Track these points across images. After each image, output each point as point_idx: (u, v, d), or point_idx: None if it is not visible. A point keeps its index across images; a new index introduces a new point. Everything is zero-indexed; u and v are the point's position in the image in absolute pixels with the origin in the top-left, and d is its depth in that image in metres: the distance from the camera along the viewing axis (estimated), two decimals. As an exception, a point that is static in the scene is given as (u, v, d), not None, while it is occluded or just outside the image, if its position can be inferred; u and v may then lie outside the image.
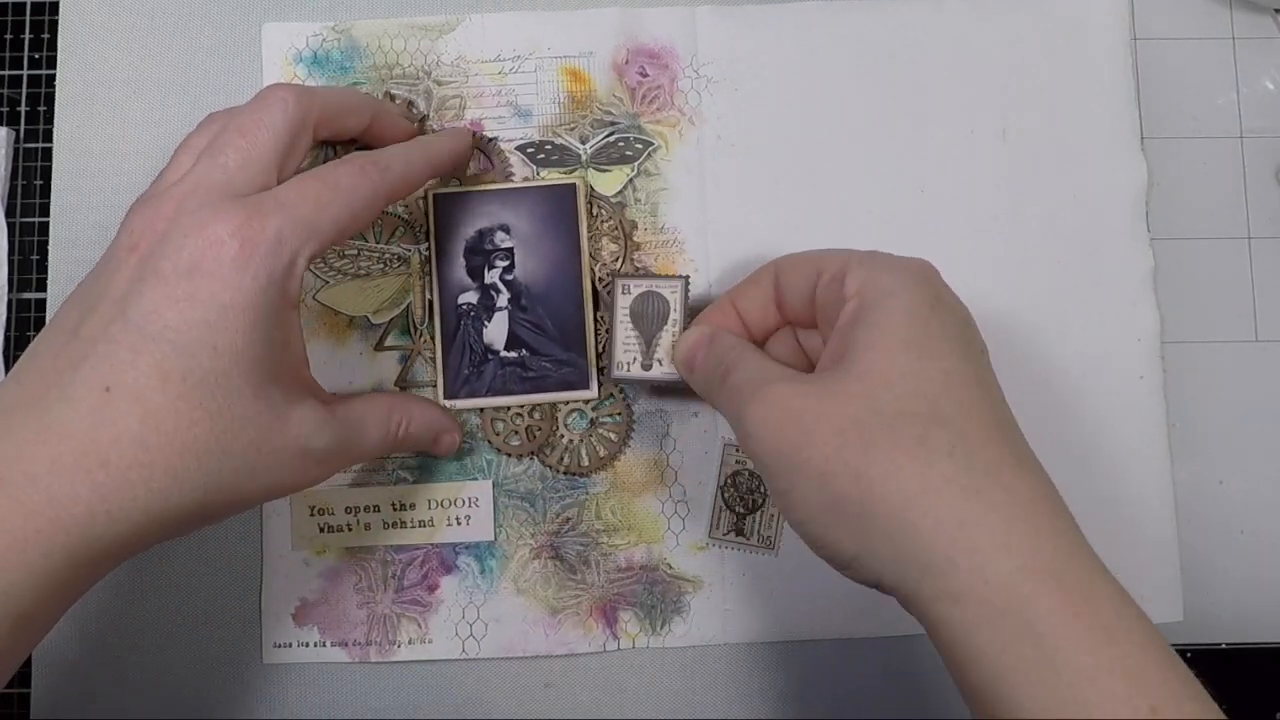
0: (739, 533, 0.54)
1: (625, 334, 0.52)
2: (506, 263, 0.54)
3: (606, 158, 0.56)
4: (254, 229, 0.41)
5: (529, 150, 0.56)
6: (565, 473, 0.55)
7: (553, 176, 0.55)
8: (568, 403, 0.55)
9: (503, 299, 0.54)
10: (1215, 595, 0.55)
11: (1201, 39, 0.58)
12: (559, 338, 0.54)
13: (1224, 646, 0.55)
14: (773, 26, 0.57)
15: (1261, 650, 0.55)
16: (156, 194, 0.43)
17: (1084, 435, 0.55)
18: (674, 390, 0.54)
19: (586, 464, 0.55)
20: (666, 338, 0.51)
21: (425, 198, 0.54)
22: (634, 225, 0.55)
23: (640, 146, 0.56)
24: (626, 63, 0.56)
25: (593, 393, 0.54)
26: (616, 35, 0.56)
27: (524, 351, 0.54)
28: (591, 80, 0.56)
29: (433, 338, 0.54)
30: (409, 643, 0.54)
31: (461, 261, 0.54)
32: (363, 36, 0.56)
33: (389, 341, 0.55)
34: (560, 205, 0.55)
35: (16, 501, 0.38)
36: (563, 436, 0.55)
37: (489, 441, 0.54)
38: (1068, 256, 0.56)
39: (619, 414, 0.55)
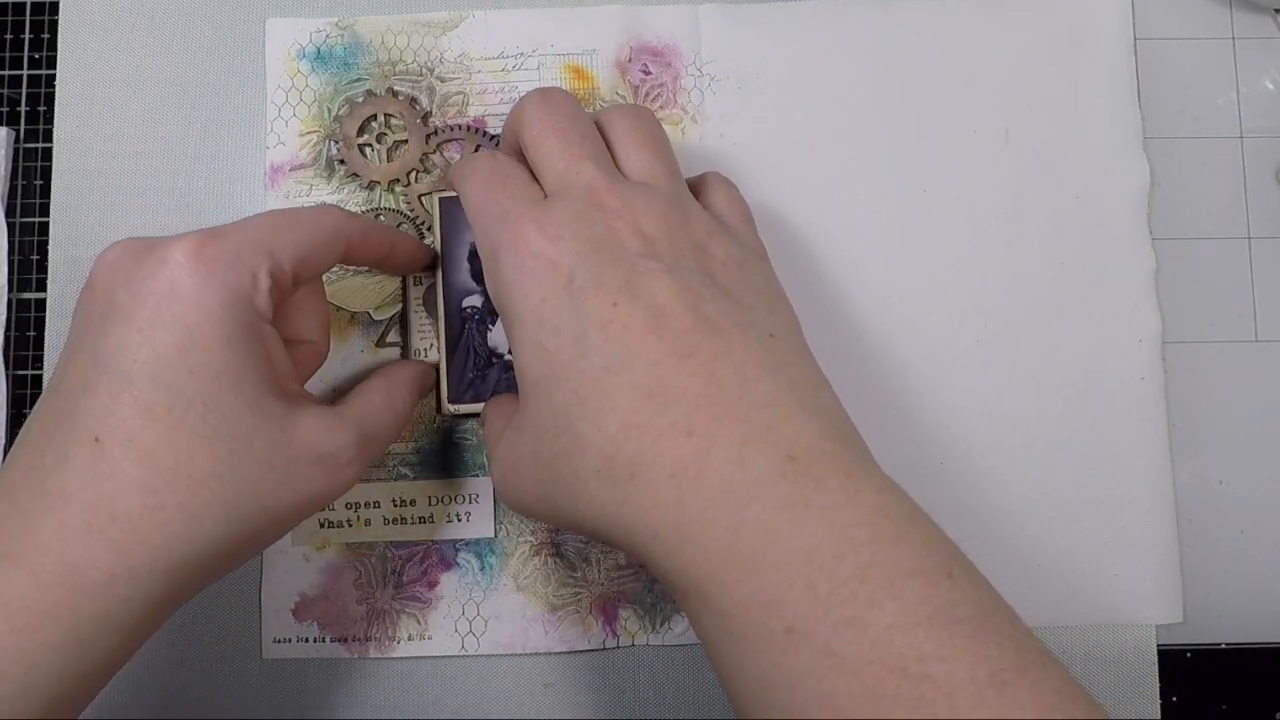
0: None
1: (420, 323, 0.54)
2: None
3: (608, 155, 0.56)
4: (210, 248, 0.40)
5: (532, 148, 0.56)
6: None
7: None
8: None
9: None
10: (1215, 595, 0.55)
11: (1201, 39, 0.58)
12: None
13: (1224, 646, 0.55)
14: (776, 25, 0.57)
15: (1261, 650, 0.55)
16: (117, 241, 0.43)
17: (1085, 437, 0.55)
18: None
19: None
20: None
21: (432, 202, 0.54)
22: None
23: (643, 144, 0.56)
24: (629, 60, 0.56)
25: None
26: (620, 33, 0.56)
27: None
28: (594, 78, 0.56)
29: (437, 342, 0.54)
30: (409, 639, 0.54)
31: (466, 265, 0.54)
32: (366, 33, 0.56)
33: (390, 338, 0.55)
34: None
35: (32, 575, 0.37)
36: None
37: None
38: (1069, 258, 0.56)
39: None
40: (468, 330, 0.53)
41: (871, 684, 0.33)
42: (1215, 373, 0.56)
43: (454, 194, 0.52)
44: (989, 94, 0.56)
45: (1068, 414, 0.55)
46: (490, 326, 0.53)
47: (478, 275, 0.53)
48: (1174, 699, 0.54)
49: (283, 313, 0.45)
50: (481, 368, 0.53)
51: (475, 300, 0.53)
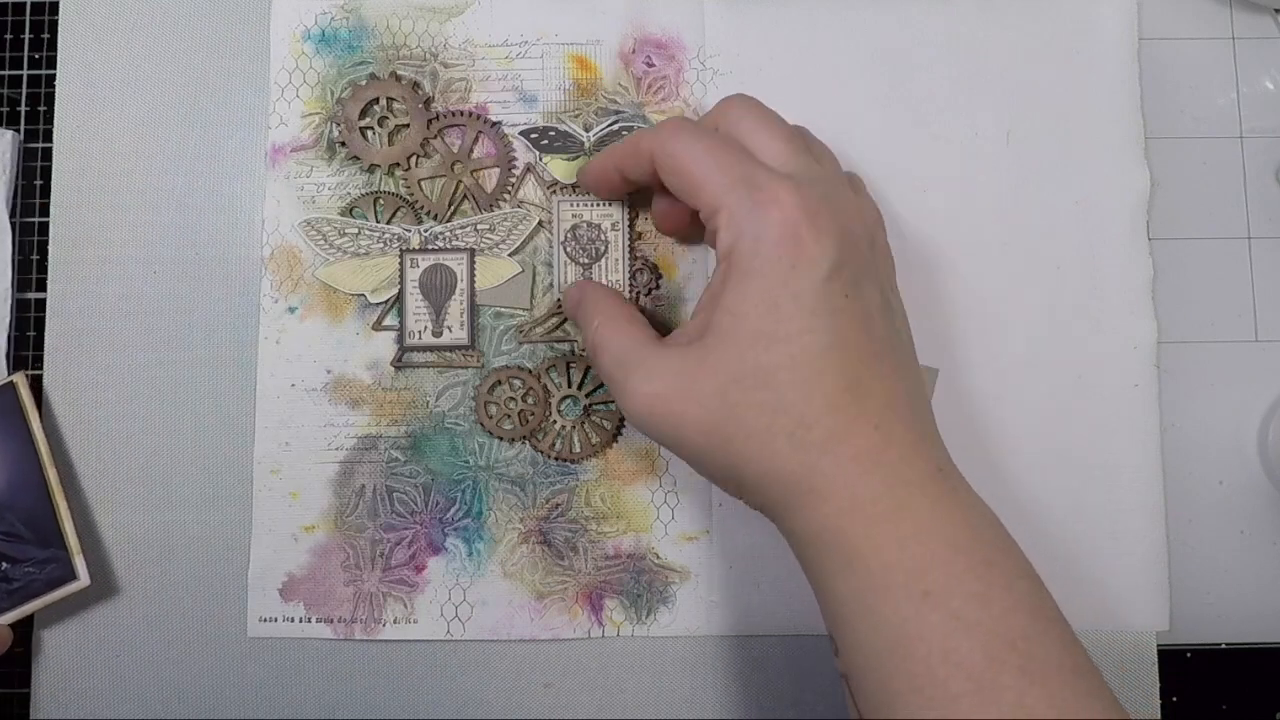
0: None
1: (416, 304, 0.54)
2: None
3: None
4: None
5: (532, 136, 0.56)
6: (557, 459, 0.54)
7: (555, 164, 0.56)
8: (551, 393, 0.55)
9: None
10: (1215, 595, 0.54)
11: (1201, 39, 0.58)
12: (34, 539, 0.53)
13: (1224, 646, 0.54)
14: (780, 22, 0.57)
15: (1261, 650, 0.55)
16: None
17: (1078, 444, 0.55)
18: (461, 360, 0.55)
19: (578, 450, 0.54)
20: (455, 306, 0.55)
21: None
22: (634, 214, 0.55)
23: (644, 137, 0.56)
24: (633, 52, 0.56)
25: (84, 581, 0.53)
26: (624, 24, 0.57)
27: (5, 565, 0.53)
28: (598, 68, 0.56)
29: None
30: (394, 622, 0.54)
31: None
32: (371, 16, 0.56)
33: (386, 321, 0.55)
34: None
35: None
36: (555, 422, 0.55)
37: (481, 424, 0.54)
38: (1067, 263, 0.55)
39: (613, 401, 0.54)
40: None
41: (988, 648, 0.40)
42: (1215, 373, 0.56)
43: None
44: (992, 96, 0.56)
45: (1060, 419, 0.55)
46: None
47: None
48: (1174, 699, 0.54)
49: None
50: None
51: None
